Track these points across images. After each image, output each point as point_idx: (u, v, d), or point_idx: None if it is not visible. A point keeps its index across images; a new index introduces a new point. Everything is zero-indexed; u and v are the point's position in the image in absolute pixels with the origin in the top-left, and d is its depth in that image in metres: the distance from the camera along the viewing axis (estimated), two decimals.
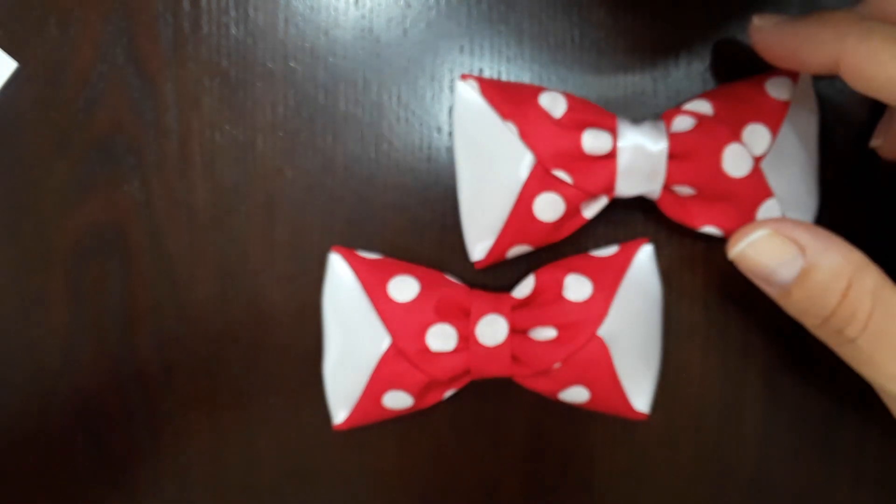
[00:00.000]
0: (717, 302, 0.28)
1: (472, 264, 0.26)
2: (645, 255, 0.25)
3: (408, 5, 0.27)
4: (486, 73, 0.27)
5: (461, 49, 0.27)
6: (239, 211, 0.27)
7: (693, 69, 0.27)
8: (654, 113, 0.27)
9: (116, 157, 0.27)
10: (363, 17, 0.27)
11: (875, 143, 0.26)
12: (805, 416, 0.28)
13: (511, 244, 0.25)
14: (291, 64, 0.27)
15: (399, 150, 0.27)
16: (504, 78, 0.27)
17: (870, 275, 0.21)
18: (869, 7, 0.23)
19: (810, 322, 0.23)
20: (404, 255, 0.27)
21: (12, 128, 0.27)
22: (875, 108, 0.26)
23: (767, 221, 0.23)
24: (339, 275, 0.26)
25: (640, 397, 0.26)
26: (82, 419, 0.29)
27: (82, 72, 0.27)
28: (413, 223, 0.27)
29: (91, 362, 0.28)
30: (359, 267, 0.26)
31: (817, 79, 0.25)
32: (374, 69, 0.27)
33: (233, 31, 0.27)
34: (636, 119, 0.25)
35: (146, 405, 0.29)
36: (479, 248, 0.25)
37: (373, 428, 0.27)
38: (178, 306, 0.28)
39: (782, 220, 0.23)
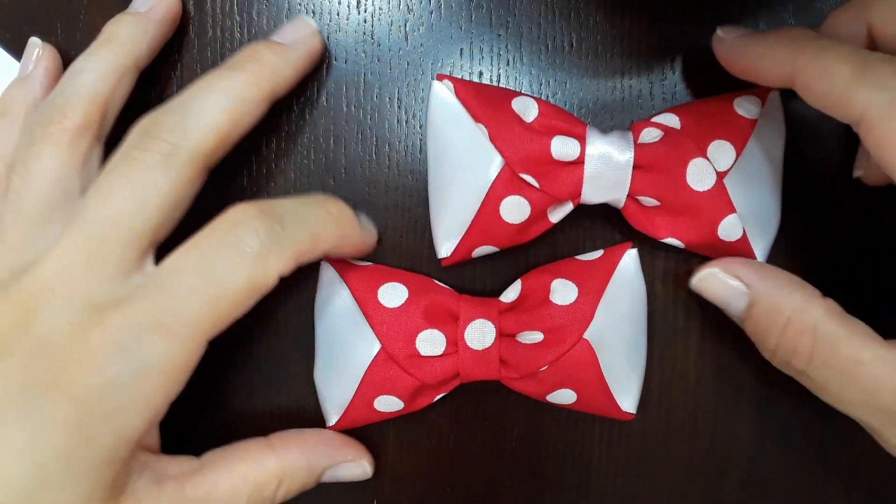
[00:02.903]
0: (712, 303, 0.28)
1: (472, 264, 0.26)
2: (630, 259, 0.26)
3: (409, 9, 0.27)
4: (486, 77, 0.27)
5: (461, 53, 0.27)
6: None
7: (689, 72, 0.27)
8: (651, 115, 0.27)
9: None
10: (365, 21, 0.27)
11: (857, 173, 0.26)
12: (799, 416, 0.28)
13: (477, 244, 0.25)
14: None
15: (400, 152, 0.28)
16: (503, 81, 0.27)
17: (811, 311, 0.22)
18: (828, 28, 0.24)
19: (765, 354, 0.24)
20: (405, 255, 0.28)
21: None
22: (847, 131, 0.26)
23: (720, 261, 0.25)
24: (330, 283, 0.26)
25: (627, 398, 0.26)
26: None
27: None
28: (414, 224, 0.28)
29: None
30: (348, 275, 0.26)
31: (788, 97, 0.26)
32: (375, 72, 0.27)
33: (237, 34, 0.27)
34: (633, 122, 0.25)
35: None
36: (445, 245, 0.26)
37: (373, 426, 0.28)
38: None
39: (733, 259, 0.25)
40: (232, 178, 0.28)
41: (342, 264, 0.27)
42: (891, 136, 0.19)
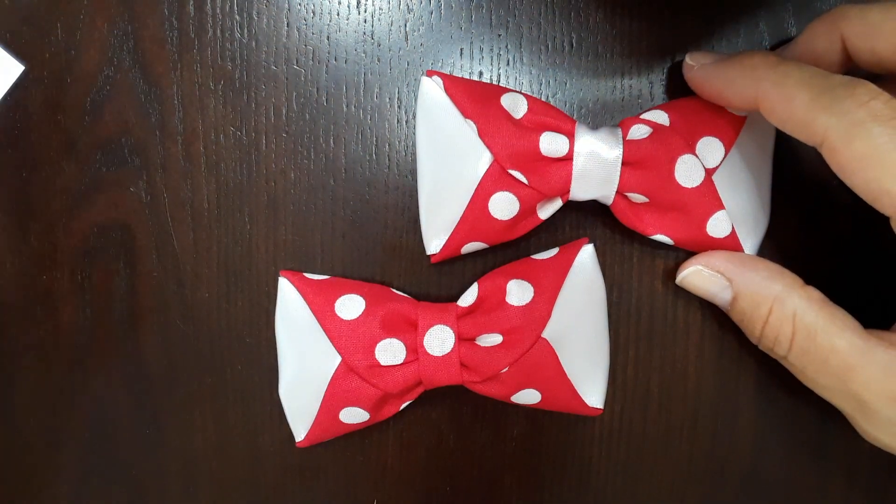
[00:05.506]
0: (712, 303, 0.28)
1: (473, 263, 0.26)
2: (586, 255, 0.26)
3: (409, 10, 0.27)
4: (486, 77, 0.27)
5: (461, 53, 0.27)
6: (243, 211, 0.28)
7: None
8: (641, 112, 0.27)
9: (122, 159, 0.28)
10: (365, 21, 0.27)
11: None
12: (798, 414, 0.28)
13: (466, 240, 0.25)
14: (295, 67, 0.27)
15: (400, 152, 0.28)
16: (503, 81, 0.27)
17: (791, 301, 0.23)
18: (803, 39, 0.24)
19: (752, 340, 0.25)
20: (405, 255, 0.28)
21: (20, 129, 0.28)
22: None
23: (702, 256, 0.26)
24: (288, 298, 0.26)
25: (593, 393, 0.26)
26: (90, 417, 0.29)
27: (89, 75, 0.27)
28: (414, 223, 0.28)
29: (98, 360, 0.29)
30: (305, 289, 0.26)
31: None
32: (375, 72, 0.27)
33: (237, 34, 0.27)
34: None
35: (152, 402, 0.29)
36: (435, 242, 0.26)
37: (373, 425, 0.28)
38: (182, 305, 0.28)
39: (715, 253, 0.25)
40: (233, 177, 0.28)
41: (299, 279, 0.26)
42: (852, 158, 0.20)
